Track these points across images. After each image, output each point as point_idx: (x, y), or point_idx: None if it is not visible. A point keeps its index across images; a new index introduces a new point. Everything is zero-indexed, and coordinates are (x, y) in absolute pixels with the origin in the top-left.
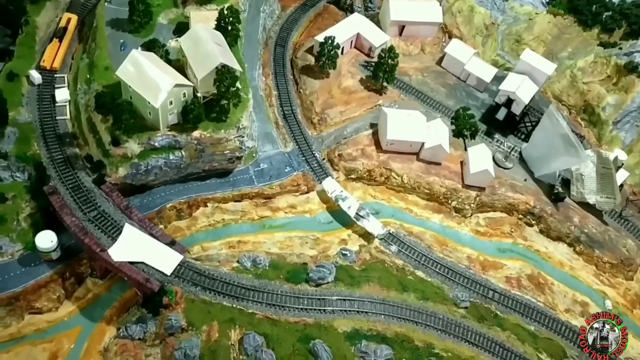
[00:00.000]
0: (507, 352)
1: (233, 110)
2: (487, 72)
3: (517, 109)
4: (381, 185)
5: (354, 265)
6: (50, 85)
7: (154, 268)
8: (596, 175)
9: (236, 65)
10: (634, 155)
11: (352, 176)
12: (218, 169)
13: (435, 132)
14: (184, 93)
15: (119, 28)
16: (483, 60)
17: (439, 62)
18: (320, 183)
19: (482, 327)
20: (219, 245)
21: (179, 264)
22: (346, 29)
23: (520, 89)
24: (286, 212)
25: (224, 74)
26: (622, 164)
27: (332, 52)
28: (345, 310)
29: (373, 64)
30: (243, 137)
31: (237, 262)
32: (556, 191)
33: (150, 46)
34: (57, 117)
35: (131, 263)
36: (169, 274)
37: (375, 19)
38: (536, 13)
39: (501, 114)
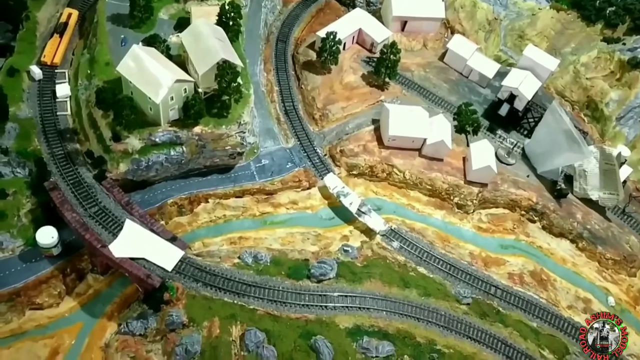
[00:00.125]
0: (510, 349)
1: (234, 106)
2: (489, 68)
3: (519, 105)
4: (383, 182)
5: (356, 262)
6: (51, 81)
7: (155, 264)
8: (599, 172)
9: (237, 61)
10: (637, 151)
11: (354, 172)
12: (219, 164)
13: (437, 128)
14: (185, 88)
15: (120, 23)
16: (486, 55)
17: (442, 57)
18: (322, 179)
19: (484, 324)
20: (220, 241)
21: (180, 260)
22: (348, 25)
23: (523, 84)
24: (288, 208)
25: (225, 70)
26: (626, 160)
27: (334, 48)
28: (347, 307)
29: (375, 59)
30: (244, 132)
31: (239, 258)
32: (559, 187)
33: (151, 41)
34: (58, 113)
35: (132, 259)
36: (170, 270)
37: (378, 15)
38: (539, 8)
39: (504, 110)
